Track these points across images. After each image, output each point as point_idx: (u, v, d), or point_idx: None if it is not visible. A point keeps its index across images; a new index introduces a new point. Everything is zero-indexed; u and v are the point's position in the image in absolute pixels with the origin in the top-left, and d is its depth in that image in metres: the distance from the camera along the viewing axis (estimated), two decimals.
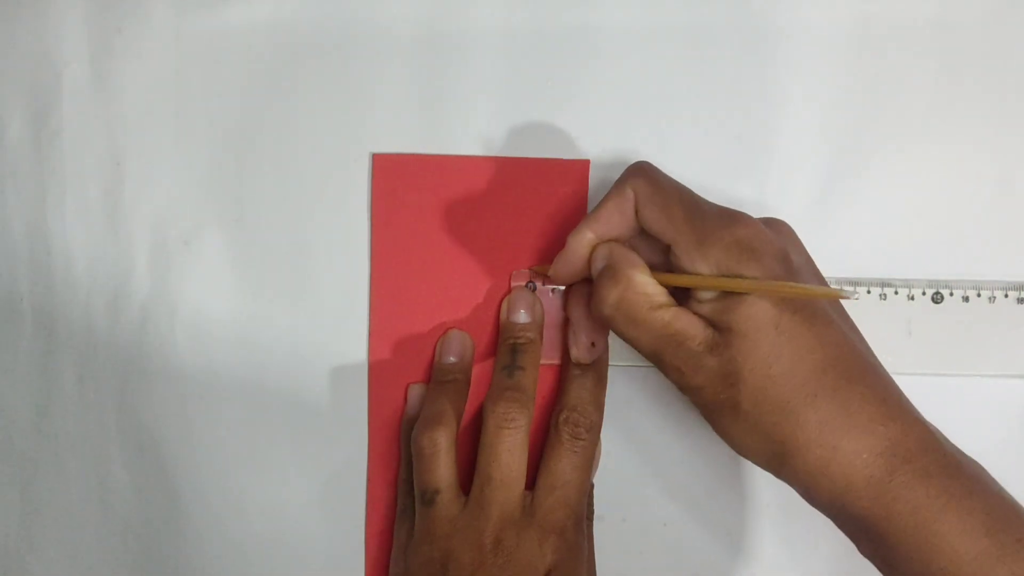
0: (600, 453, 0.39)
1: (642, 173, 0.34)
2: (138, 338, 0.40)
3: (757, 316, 0.30)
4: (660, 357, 0.32)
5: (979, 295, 0.38)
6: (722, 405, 0.31)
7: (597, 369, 0.38)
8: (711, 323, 0.31)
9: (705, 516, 0.40)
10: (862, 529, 0.30)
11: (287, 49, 0.39)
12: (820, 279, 0.34)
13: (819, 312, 0.31)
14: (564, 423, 0.36)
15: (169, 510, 0.41)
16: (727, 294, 0.31)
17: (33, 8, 0.40)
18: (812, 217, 0.39)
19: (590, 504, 0.38)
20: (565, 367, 0.38)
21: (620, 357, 0.39)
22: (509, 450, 0.35)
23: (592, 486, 0.39)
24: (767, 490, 0.39)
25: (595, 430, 0.36)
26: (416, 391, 0.39)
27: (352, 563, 0.40)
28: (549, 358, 0.39)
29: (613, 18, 0.39)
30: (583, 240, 0.35)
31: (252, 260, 0.40)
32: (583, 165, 0.39)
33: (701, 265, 0.31)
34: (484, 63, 0.39)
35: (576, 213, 0.39)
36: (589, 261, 0.35)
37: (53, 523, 0.41)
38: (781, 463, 0.31)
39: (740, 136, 0.39)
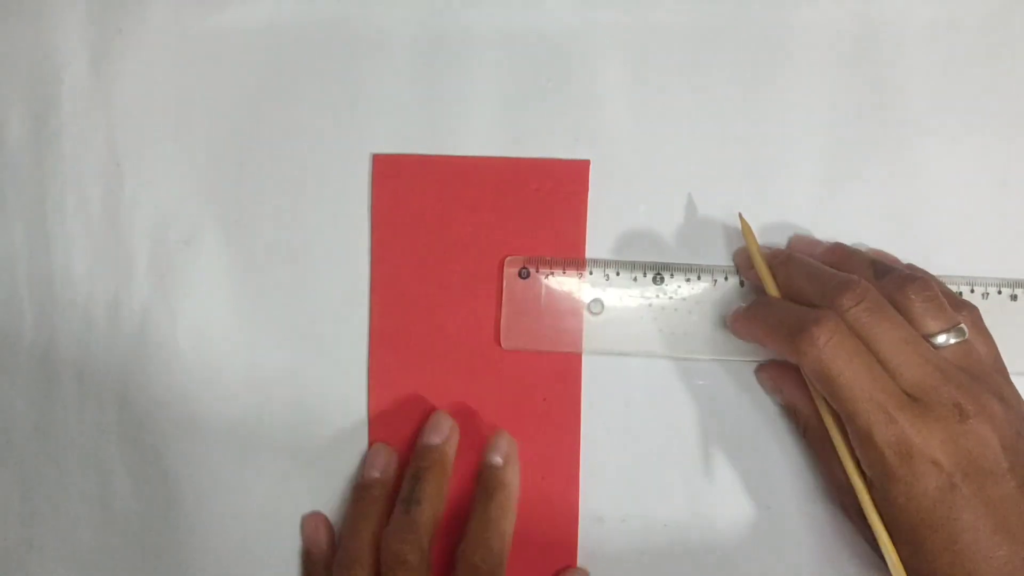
0: None
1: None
2: (138, 338, 0.40)
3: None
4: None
5: (973, 291, 0.38)
6: (886, 471, 0.31)
7: (502, 493, 0.37)
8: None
9: (705, 517, 0.39)
10: None
11: (287, 49, 0.40)
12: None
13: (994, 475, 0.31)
14: (460, 555, 0.36)
15: (169, 510, 0.40)
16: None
17: (33, 9, 0.40)
18: (812, 216, 0.39)
19: None
20: (475, 489, 0.38)
21: (606, 346, 0.39)
22: None
23: None
24: (767, 492, 0.39)
25: (494, 557, 0.36)
26: (310, 523, 0.39)
27: None
28: (520, 345, 0.39)
29: (613, 18, 0.39)
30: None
31: (252, 261, 0.40)
32: (583, 166, 0.39)
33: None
34: (484, 63, 0.39)
35: (576, 213, 0.39)
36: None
37: (53, 523, 0.41)
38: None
39: (740, 136, 0.39)
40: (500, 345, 0.39)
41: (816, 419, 0.35)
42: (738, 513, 0.39)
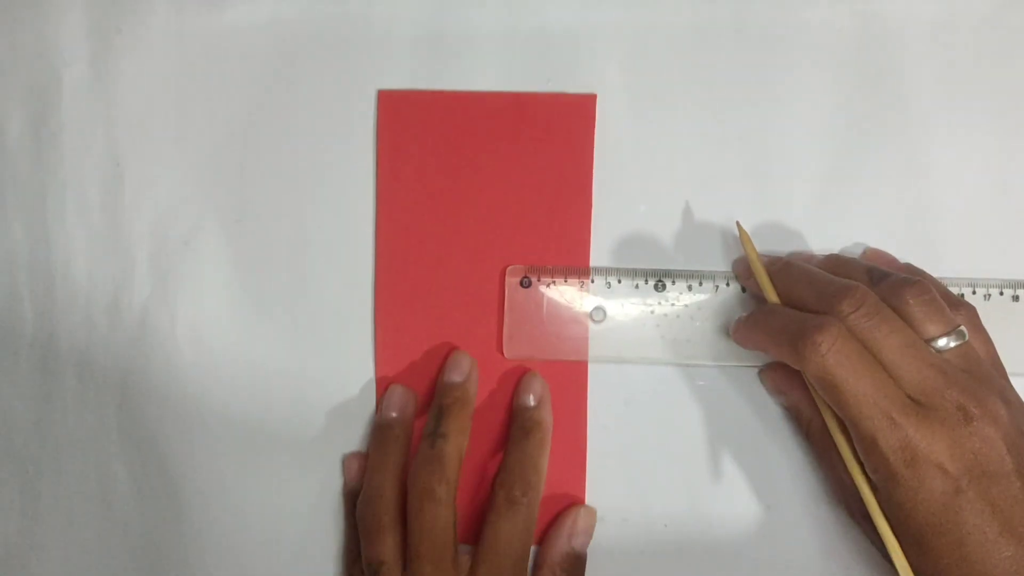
0: (593, 524, 0.39)
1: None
2: (138, 338, 0.40)
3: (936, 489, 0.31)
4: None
5: (974, 292, 0.38)
6: (891, 476, 0.31)
7: (539, 432, 0.38)
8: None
9: (705, 517, 0.40)
10: None
11: (287, 49, 0.39)
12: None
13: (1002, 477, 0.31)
14: (499, 486, 0.36)
15: (170, 510, 0.41)
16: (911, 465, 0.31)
17: (33, 8, 0.40)
18: (812, 217, 0.39)
19: (581, 573, 0.39)
20: (509, 431, 0.39)
21: (607, 352, 0.39)
22: (431, 524, 0.35)
23: (583, 558, 0.39)
24: (768, 492, 0.39)
25: (531, 491, 0.37)
26: (352, 462, 0.39)
27: None
28: (523, 353, 0.39)
29: (614, 18, 0.39)
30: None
31: (252, 260, 0.40)
32: (590, 100, 0.39)
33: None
34: (485, 63, 0.39)
35: (583, 148, 0.39)
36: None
37: (54, 523, 0.41)
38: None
39: (741, 136, 0.39)
40: (503, 354, 0.39)
41: (820, 421, 0.35)
42: (739, 514, 0.39)
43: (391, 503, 0.36)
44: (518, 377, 0.39)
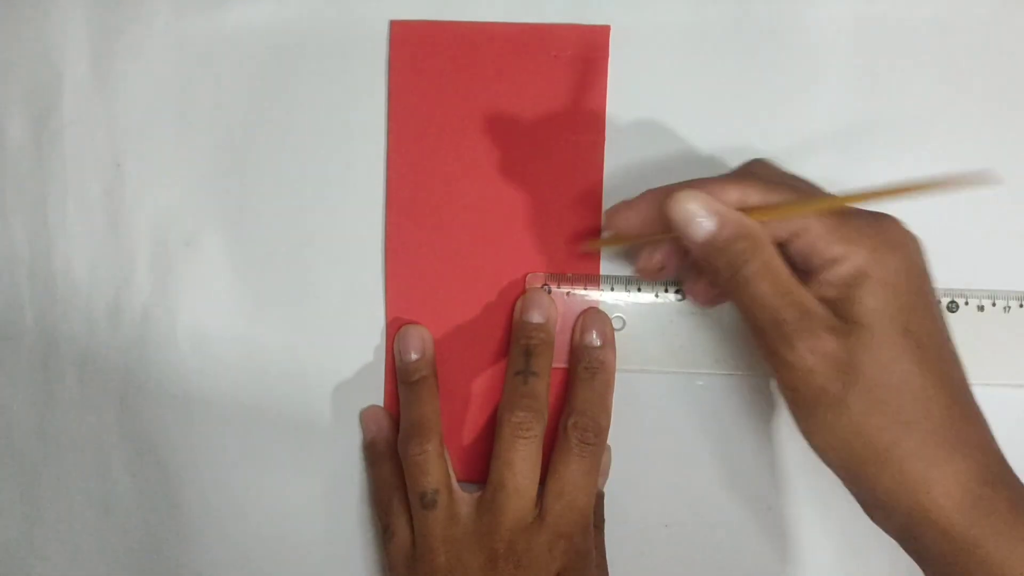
0: (610, 462, 0.39)
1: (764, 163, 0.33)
2: (139, 339, 0.40)
3: (888, 313, 0.29)
4: (777, 327, 0.30)
5: (994, 304, 0.37)
6: (825, 396, 0.30)
7: (605, 372, 0.37)
8: (835, 311, 0.30)
9: (706, 518, 0.39)
10: (935, 553, 0.29)
11: (288, 49, 0.39)
12: None
13: (941, 327, 0.31)
14: (572, 428, 0.36)
15: (170, 511, 0.41)
16: (854, 285, 0.29)
17: (34, 9, 0.40)
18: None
19: (600, 512, 0.38)
20: (573, 370, 0.38)
21: (627, 362, 0.38)
22: (523, 459, 0.35)
23: (602, 495, 0.39)
24: (768, 493, 0.39)
25: (603, 434, 0.37)
26: (371, 413, 0.39)
27: (352, 564, 0.40)
28: (557, 362, 0.38)
29: (615, 17, 0.38)
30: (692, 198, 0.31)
31: (253, 261, 0.40)
32: (603, 31, 0.38)
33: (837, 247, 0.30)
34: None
35: (596, 79, 0.38)
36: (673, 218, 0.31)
37: (54, 524, 0.41)
38: (868, 471, 0.30)
39: (740, 137, 0.38)
40: None
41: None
42: (739, 515, 0.39)
43: (436, 437, 0.36)
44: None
